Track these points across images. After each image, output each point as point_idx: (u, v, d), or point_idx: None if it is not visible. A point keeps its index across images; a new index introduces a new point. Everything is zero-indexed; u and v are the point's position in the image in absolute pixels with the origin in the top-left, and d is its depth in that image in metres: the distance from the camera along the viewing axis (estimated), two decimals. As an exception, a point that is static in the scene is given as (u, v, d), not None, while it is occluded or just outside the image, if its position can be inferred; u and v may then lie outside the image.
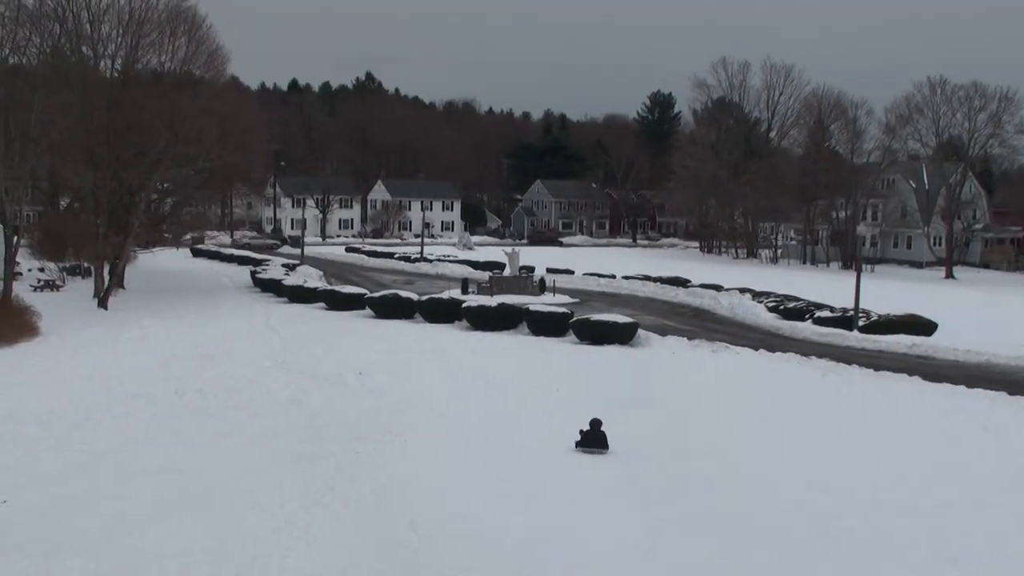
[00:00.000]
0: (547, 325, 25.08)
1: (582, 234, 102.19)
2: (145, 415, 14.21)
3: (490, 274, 39.51)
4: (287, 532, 9.15)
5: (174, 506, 10.04)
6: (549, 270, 47.80)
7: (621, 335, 23.50)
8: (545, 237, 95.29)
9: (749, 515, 10.03)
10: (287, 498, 10.35)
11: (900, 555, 8.86)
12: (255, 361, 19.65)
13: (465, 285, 36.44)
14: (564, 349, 22.67)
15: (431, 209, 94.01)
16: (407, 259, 56.60)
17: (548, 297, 35.75)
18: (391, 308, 28.76)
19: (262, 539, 8.95)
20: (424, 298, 28.68)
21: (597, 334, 23.58)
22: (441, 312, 27.84)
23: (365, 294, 30.54)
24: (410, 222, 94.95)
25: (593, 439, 13.04)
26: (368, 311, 29.62)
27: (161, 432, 13.21)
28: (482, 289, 36.30)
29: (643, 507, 10.32)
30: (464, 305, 27.10)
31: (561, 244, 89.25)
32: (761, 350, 22.72)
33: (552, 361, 20.35)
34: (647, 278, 43.35)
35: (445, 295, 30.66)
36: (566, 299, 35.92)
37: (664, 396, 16.55)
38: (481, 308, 26.54)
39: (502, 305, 26.75)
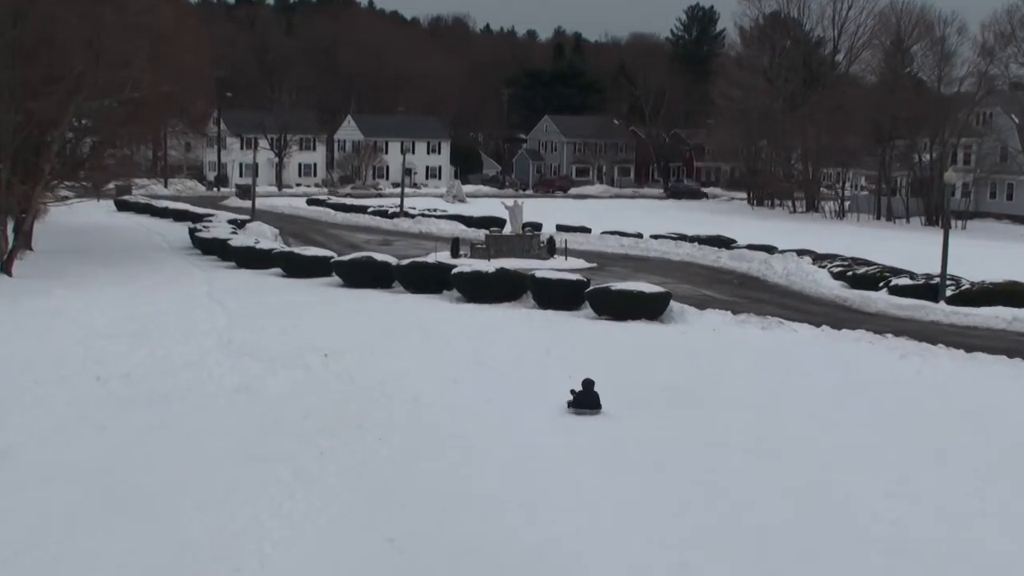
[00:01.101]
0: (557, 296, 25.07)
1: (601, 183, 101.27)
2: (60, 405, 14.16)
3: (487, 233, 39.48)
4: (236, 547, 9.16)
5: (101, 515, 10.02)
6: (560, 228, 47.64)
7: (649, 308, 23.48)
8: (555, 186, 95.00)
9: (814, 533, 10.01)
10: (236, 506, 10.36)
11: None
12: (195, 340, 19.59)
13: (456, 246, 36.53)
14: (578, 326, 22.63)
15: (413, 152, 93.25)
16: (384, 214, 56.39)
17: (558, 261, 35.84)
18: (364, 275, 28.76)
19: (206, 554, 8.96)
20: (405, 262, 28.60)
21: (619, 307, 23.59)
22: (426, 280, 27.83)
23: (331, 257, 30.66)
24: (387, 168, 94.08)
25: (585, 399, 14.62)
26: (335, 279, 29.67)
27: (81, 426, 13.15)
28: (477, 251, 36.37)
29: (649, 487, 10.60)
30: (454, 271, 27.06)
31: (575, 195, 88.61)
32: (823, 327, 22.66)
33: (563, 340, 20.32)
34: (682, 237, 43.41)
35: (431, 259, 30.57)
36: (581, 264, 36.00)
37: (703, 386, 16.57)
38: (475, 275, 26.52)
39: (501, 271, 26.79)
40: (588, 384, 14.90)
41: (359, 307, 24.37)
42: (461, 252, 36.52)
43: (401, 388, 15.79)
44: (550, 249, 37.28)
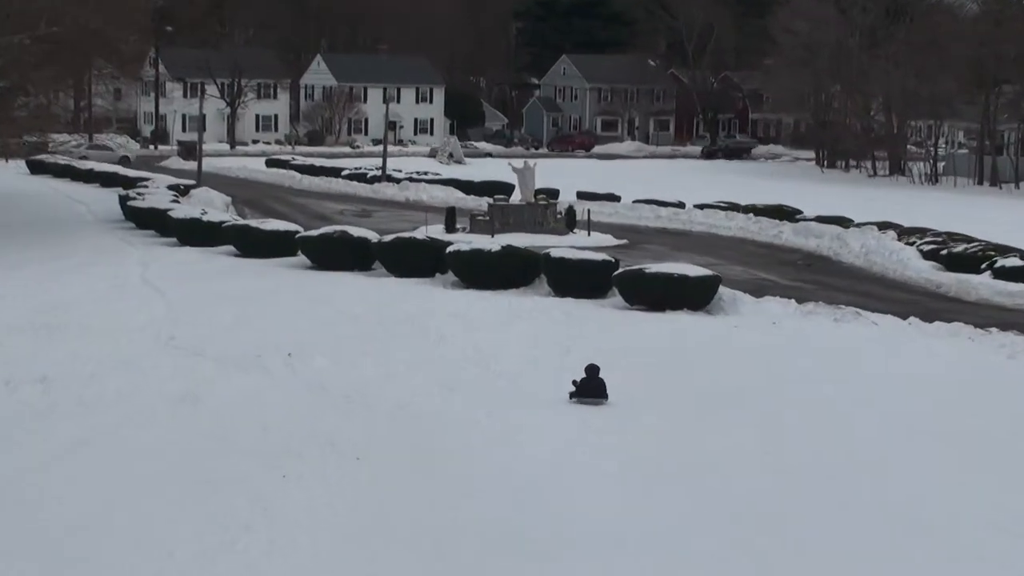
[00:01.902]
0: (578, 281, 25.12)
1: (632, 139, 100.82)
2: (-42, 416, 15.09)
3: (490, 201, 39.57)
4: (180, 594, 9.49)
5: (13, 551, 9.99)
6: (582, 196, 47.73)
7: (693, 296, 23.52)
8: (575, 144, 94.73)
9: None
10: (180, 542, 10.32)
11: None
12: (128, 336, 19.61)
13: (451, 219, 36.70)
14: (604, 318, 22.67)
15: (398, 101, 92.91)
16: (362, 178, 56.48)
17: (580, 237, 35.92)
18: (337, 254, 28.82)
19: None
20: (388, 239, 28.70)
21: (656, 294, 23.59)
22: (414, 260, 27.90)
23: (297, 232, 30.71)
24: (366, 121, 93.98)
25: (589, 388, 15.79)
26: (301, 259, 29.74)
27: (-16, 441, 14.05)
28: (478, 225, 36.44)
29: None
30: (450, 250, 27.12)
31: (600, 155, 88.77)
32: (911, 318, 22.59)
33: (585, 337, 20.27)
34: (733, 207, 43.47)
35: (420, 234, 30.60)
36: (608, 240, 36.08)
37: (756, 394, 16.56)
38: (476, 254, 26.50)
39: (508, 249, 26.84)
40: (592, 371, 16.02)
41: (331, 295, 24.37)
42: (458, 226, 36.44)
43: (384, 397, 15.82)
44: (569, 222, 37.25)
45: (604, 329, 21.65)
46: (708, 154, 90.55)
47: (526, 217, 36.59)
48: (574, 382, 16.09)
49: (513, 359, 18.47)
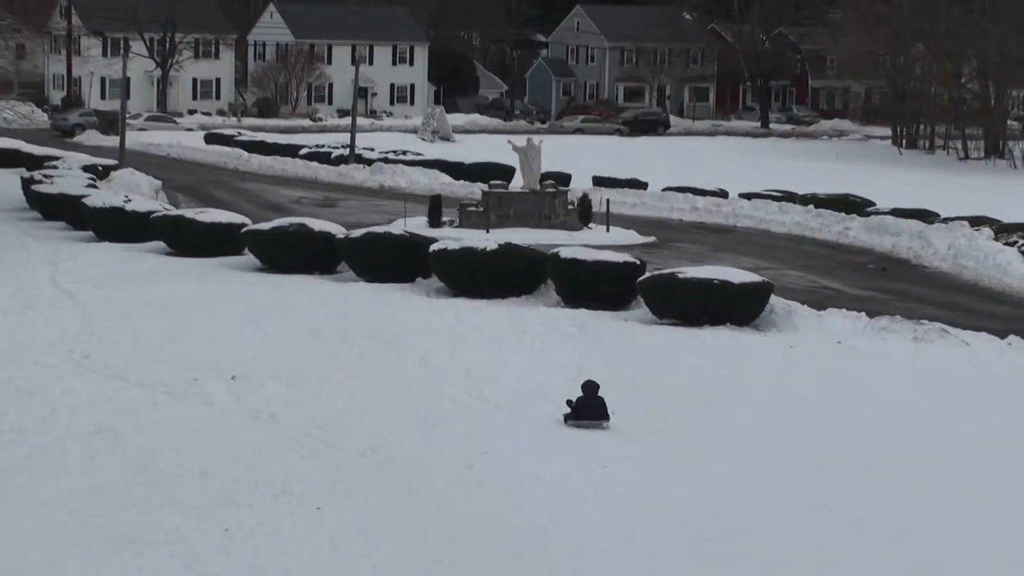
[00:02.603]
0: (594, 288, 25.26)
1: (662, 110, 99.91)
2: None
3: (485, 188, 39.45)
4: None
5: None
6: (599, 182, 48.14)
7: (738, 307, 23.69)
8: (591, 117, 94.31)
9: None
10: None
11: None
12: (32, 355, 19.52)
13: (437, 210, 36.76)
14: (627, 335, 22.81)
15: (371, 62, 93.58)
16: (325, 158, 56.85)
17: (596, 233, 36.15)
18: (293, 253, 28.97)
19: None
20: (357, 235, 28.82)
21: (691, 305, 23.69)
22: (389, 262, 28.03)
23: (243, 226, 30.85)
24: (330, 88, 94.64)
25: (587, 408, 16.31)
26: (248, 258, 29.93)
27: None
28: (469, 217, 36.58)
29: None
30: (434, 249, 27.24)
31: (624, 130, 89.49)
32: (1012, 337, 22.66)
33: (601, 360, 20.19)
34: (788, 198, 43.82)
35: (398, 229, 30.87)
36: (631, 237, 36.39)
37: (818, 434, 16.48)
38: (467, 255, 26.53)
39: (507, 249, 26.89)
40: (590, 388, 16.59)
41: (286, 304, 24.40)
42: (445, 219, 36.52)
43: (350, 434, 15.82)
44: (583, 215, 37.38)
45: (626, 348, 21.63)
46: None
47: (529, 208, 36.65)
48: (569, 402, 16.57)
49: (512, 387, 18.40)
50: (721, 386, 19.15)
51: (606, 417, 16.45)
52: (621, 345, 21.91)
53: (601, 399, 16.61)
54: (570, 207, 37.77)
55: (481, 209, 36.94)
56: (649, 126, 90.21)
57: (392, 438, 15.75)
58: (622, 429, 16.66)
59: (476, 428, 16.35)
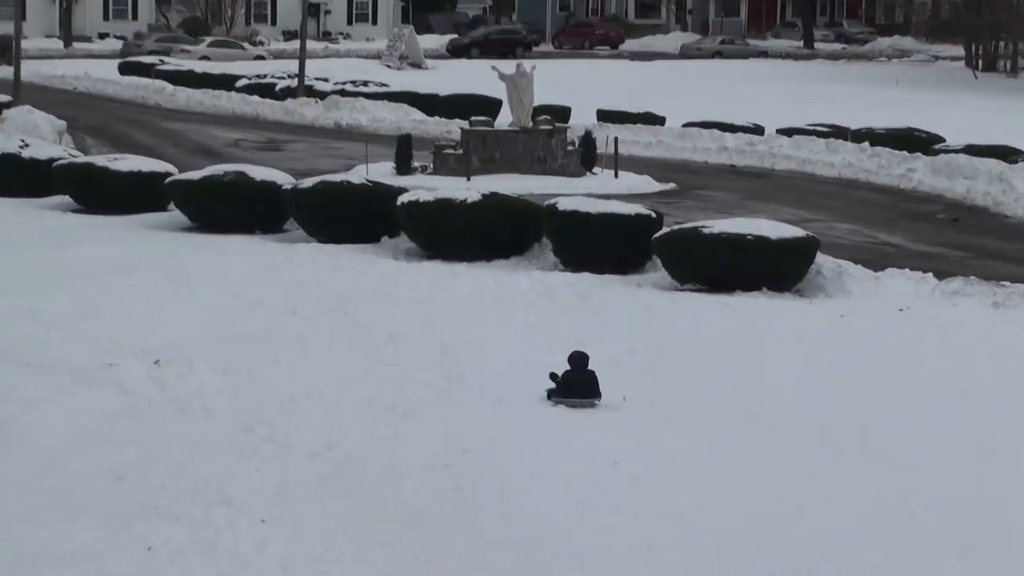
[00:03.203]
0: (600, 246, 25.38)
1: (682, 29, 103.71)
2: None
3: (465, 126, 39.86)
4: None
5: None
6: (605, 116, 48.73)
7: (777, 268, 23.82)
8: (596, 37, 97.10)
9: None
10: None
11: None
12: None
13: (406, 153, 37.17)
14: (640, 304, 22.88)
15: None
16: (269, 91, 57.42)
17: (603, 179, 36.72)
18: (229, 208, 29.14)
19: None
20: (308, 185, 28.86)
21: (719, 267, 23.86)
22: (348, 218, 28.13)
23: (168, 175, 30.93)
24: (273, 5, 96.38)
25: (575, 383, 16.76)
26: (175, 215, 30.03)
27: None
28: (446, 162, 36.99)
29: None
30: (403, 201, 27.35)
31: (633, 53, 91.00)
32: (1108, 302, 24.47)
33: (609, 335, 20.31)
34: (838, 133, 44.35)
35: (358, 177, 31.11)
36: (646, 184, 36.93)
37: (875, 424, 16.54)
38: (444, 208, 26.73)
39: (493, 200, 27.13)
40: (579, 361, 16.95)
41: (220, 271, 24.33)
42: (416, 164, 36.82)
43: (302, 428, 15.80)
44: (586, 157, 37.56)
45: (639, 321, 21.54)
46: (455, 50, 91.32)
47: (520, 150, 36.88)
48: (553, 375, 16.91)
49: (499, 369, 18.31)
50: (755, 365, 19.11)
51: (597, 395, 16.80)
52: (633, 317, 21.85)
53: (592, 373, 16.88)
54: (570, 148, 37.85)
55: (460, 152, 36.96)
56: (505, 47, 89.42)
57: (353, 433, 15.68)
58: (635, 417, 16.63)
59: (455, 419, 16.32)
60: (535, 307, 22.36)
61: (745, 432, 16.30)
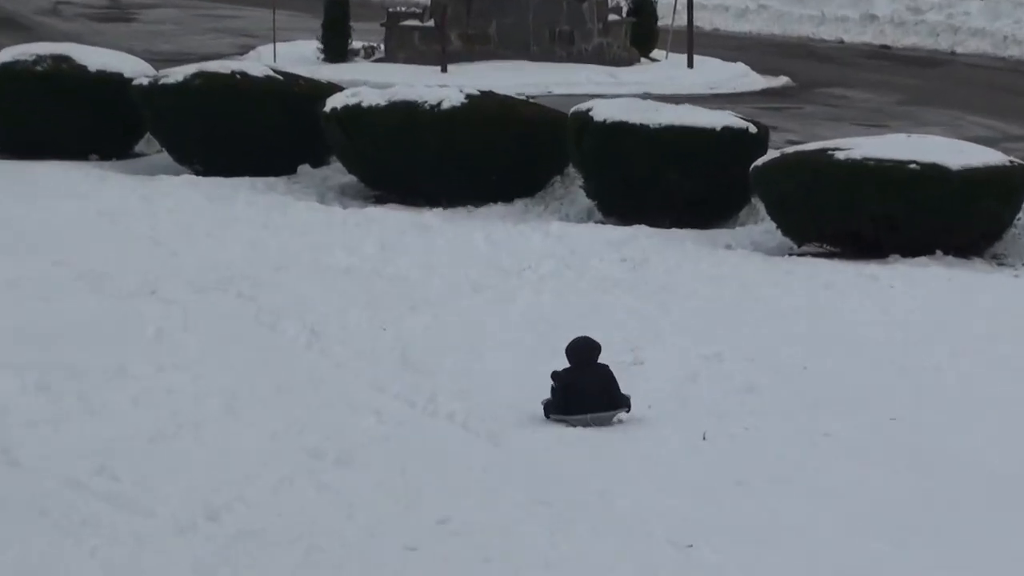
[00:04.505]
0: (662, 183, 24.75)
1: None
2: None
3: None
4: None
5: None
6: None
7: (959, 219, 22.73)
8: None
9: None
10: None
11: None
12: None
13: (340, 25, 37.88)
14: (732, 282, 21.78)
15: None
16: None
17: (667, 69, 37.78)
18: (46, 116, 29.51)
19: None
20: (176, 79, 28.84)
21: (863, 218, 22.97)
22: (244, 135, 28.01)
23: None
24: None
25: (587, 388, 16.22)
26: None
27: None
28: (406, 41, 38.06)
29: None
30: (335, 106, 26.80)
31: None
32: None
33: (681, 335, 19.20)
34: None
35: (258, 67, 30.82)
36: (738, 77, 37.55)
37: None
38: (403, 117, 26.20)
39: (485, 104, 26.59)
40: (586, 352, 16.21)
41: (31, 221, 24.46)
42: (357, 45, 37.65)
43: (167, 484, 14.52)
44: (641, 33, 37.87)
45: (729, 308, 20.16)
46: None
47: (531, 21, 36.72)
48: (556, 377, 16.09)
49: (492, 386, 17.19)
50: (928, 384, 17.46)
51: (623, 403, 15.61)
52: (719, 301, 20.47)
53: (607, 369, 15.77)
54: (614, 18, 36.96)
55: (431, 24, 36.83)
56: None
57: (252, 492, 14.00)
58: (723, 463, 15.02)
59: (422, 468, 14.64)
60: (553, 283, 21.21)
61: (922, 503, 14.12)
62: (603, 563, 13.76)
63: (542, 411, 15.98)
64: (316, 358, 18.67)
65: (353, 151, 26.13)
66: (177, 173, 27.10)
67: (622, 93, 27.54)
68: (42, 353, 18.14)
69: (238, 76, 28.35)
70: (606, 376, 15.70)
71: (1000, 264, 22.48)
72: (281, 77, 28.72)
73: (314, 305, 20.20)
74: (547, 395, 16.97)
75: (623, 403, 15.62)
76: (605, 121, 24.67)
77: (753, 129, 24.61)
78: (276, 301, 20.35)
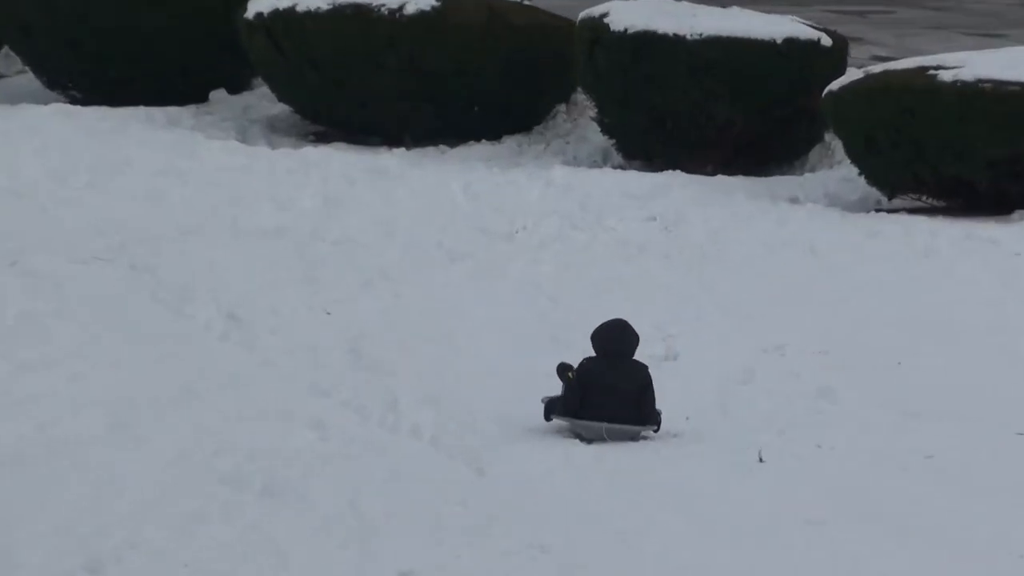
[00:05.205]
0: (702, 113, 24.83)
1: None
2: None
3: None
4: None
5: None
6: None
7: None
8: None
9: None
10: None
11: None
12: None
13: None
14: (799, 249, 22.37)
15: None
16: None
17: None
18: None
19: None
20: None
21: (976, 164, 23.40)
22: (135, 46, 28.16)
23: None
24: None
25: (592, 385, 15.67)
26: None
27: None
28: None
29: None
30: (259, 10, 26.91)
31: None
32: None
33: (731, 326, 19.50)
34: None
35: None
36: None
37: None
38: (351, 22, 26.83)
39: (457, 4, 27.04)
40: (614, 336, 15.49)
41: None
42: None
43: (36, 524, 13.98)
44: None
45: (796, 282, 20.15)
46: None
47: None
48: (564, 370, 16.01)
49: (474, 391, 16.96)
50: None
51: (651, 420, 15.23)
52: (782, 273, 20.26)
53: (645, 371, 15.33)
54: None
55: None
56: None
57: (144, 536, 13.41)
58: (787, 494, 14.71)
59: (377, 504, 14.09)
60: (556, 249, 20.79)
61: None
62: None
63: (542, 412, 15.97)
64: (235, 352, 18.22)
65: (286, 72, 25.19)
66: (47, 101, 25.84)
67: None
68: None
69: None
70: (642, 380, 15.16)
71: None
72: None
73: (233, 280, 19.64)
74: (546, 395, 17.17)
75: (652, 420, 15.13)
76: (626, 31, 23.96)
77: (826, 41, 23.75)
78: (182, 275, 19.83)
